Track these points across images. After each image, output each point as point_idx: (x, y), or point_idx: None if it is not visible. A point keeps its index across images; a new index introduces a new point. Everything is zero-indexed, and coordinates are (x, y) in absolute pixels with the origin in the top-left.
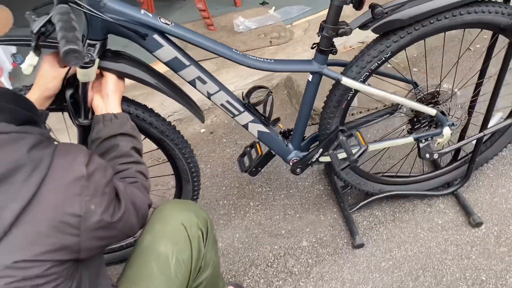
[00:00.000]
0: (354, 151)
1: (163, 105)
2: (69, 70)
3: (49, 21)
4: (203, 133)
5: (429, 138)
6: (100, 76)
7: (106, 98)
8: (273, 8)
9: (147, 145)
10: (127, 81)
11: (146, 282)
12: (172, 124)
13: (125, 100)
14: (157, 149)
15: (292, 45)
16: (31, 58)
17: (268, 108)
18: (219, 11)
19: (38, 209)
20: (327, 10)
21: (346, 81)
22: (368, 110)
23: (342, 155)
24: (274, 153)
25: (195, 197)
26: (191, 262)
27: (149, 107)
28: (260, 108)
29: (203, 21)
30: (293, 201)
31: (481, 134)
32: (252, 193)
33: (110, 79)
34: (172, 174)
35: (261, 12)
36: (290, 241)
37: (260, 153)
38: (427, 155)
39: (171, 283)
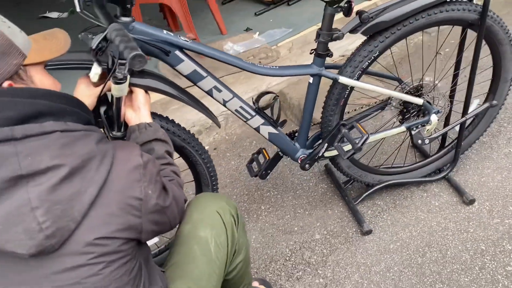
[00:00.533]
0: (357, 140)
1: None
2: (102, 88)
3: (104, 38)
4: (207, 150)
5: (419, 126)
6: (129, 92)
7: (138, 111)
8: (257, 33)
9: None
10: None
11: (190, 264)
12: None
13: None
14: (178, 157)
15: (279, 63)
16: (96, 68)
17: (276, 111)
18: (208, 39)
19: (109, 193)
20: (307, 30)
21: (343, 79)
22: (362, 107)
23: (346, 147)
24: (281, 154)
25: None
26: (227, 245)
27: (170, 118)
28: (268, 112)
29: None
30: (301, 201)
31: (464, 118)
32: (262, 198)
33: (139, 93)
34: (192, 181)
35: (246, 37)
36: (304, 236)
37: (268, 157)
38: (419, 141)
39: (213, 264)
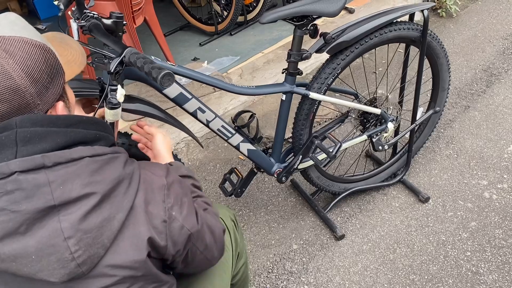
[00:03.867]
0: (330, 149)
1: None
2: (94, 114)
3: (121, 62)
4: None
5: (378, 133)
6: (150, 137)
7: (159, 155)
8: (206, 61)
9: None
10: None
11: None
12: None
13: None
14: None
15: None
16: (120, 90)
17: (254, 129)
18: None
19: (135, 216)
20: (254, 57)
21: (313, 95)
22: (325, 121)
23: (319, 157)
24: (256, 170)
25: None
26: (232, 247)
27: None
28: (245, 130)
29: None
30: (273, 216)
31: (413, 125)
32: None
33: (158, 138)
34: None
35: (196, 66)
36: (282, 247)
37: (241, 176)
38: (380, 147)
39: (223, 265)
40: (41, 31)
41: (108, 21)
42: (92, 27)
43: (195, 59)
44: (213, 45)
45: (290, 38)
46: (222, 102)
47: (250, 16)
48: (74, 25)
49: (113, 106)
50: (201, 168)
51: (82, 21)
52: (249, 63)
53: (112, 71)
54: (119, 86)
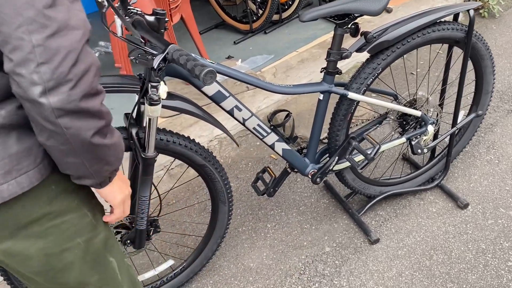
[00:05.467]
0: (368, 151)
1: None
2: (133, 110)
3: (164, 58)
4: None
5: (418, 136)
6: None
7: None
8: (240, 60)
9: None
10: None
11: None
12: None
13: (174, 134)
14: (197, 176)
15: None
16: (163, 86)
17: (289, 128)
18: None
19: None
20: (288, 56)
21: (351, 95)
22: (362, 122)
23: (356, 159)
24: (289, 170)
25: (229, 218)
26: None
27: (191, 138)
28: (280, 129)
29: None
30: (305, 217)
31: (454, 128)
32: (266, 216)
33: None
34: (208, 199)
35: (230, 64)
36: (314, 249)
37: (273, 175)
38: (419, 150)
39: None
40: None
41: (150, 18)
42: (136, 23)
43: (229, 57)
44: (247, 44)
45: (326, 37)
46: (255, 100)
47: (285, 15)
48: (118, 21)
49: (154, 102)
50: (233, 166)
51: (126, 17)
52: (283, 62)
53: (155, 67)
54: (162, 83)
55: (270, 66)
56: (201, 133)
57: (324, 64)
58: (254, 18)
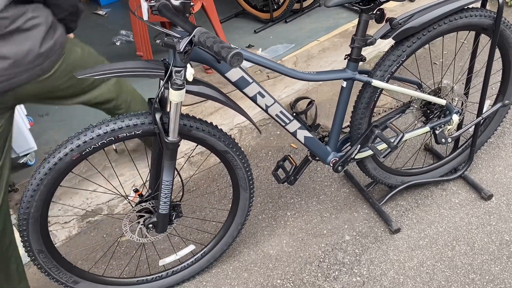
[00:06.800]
0: (392, 140)
1: None
2: (158, 94)
3: (190, 41)
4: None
5: (442, 125)
6: None
7: None
8: (260, 49)
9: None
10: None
11: None
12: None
13: (197, 120)
14: (220, 162)
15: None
16: (189, 69)
17: (312, 116)
18: None
19: None
20: (309, 45)
21: (375, 82)
22: (386, 111)
23: (379, 147)
24: (311, 159)
25: (250, 205)
26: None
27: (214, 125)
28: (302, 117)
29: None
30: (325, 206)
31: (479, 118)
32: (286, 204)
33: None
34: (228, 187)
35: None
36: (334, 238)
37: (294, 163)
38: (443, 140)
39: None
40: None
41: (176, 2)
42: (162, 7)
43: (249, 46)
44: (267, 33)
45: (347, 26)
46: (275, 89)
47: (306, 4)
48: (144, 5)
49: (178, 87)
50: (253, 155)
51: (152, 1)
52: (304, 51)
53: (181, 50)
54: (188, 65)
55: (291, 55)
56: (222, 121)
57: (345, 53)
58: (275, 7)
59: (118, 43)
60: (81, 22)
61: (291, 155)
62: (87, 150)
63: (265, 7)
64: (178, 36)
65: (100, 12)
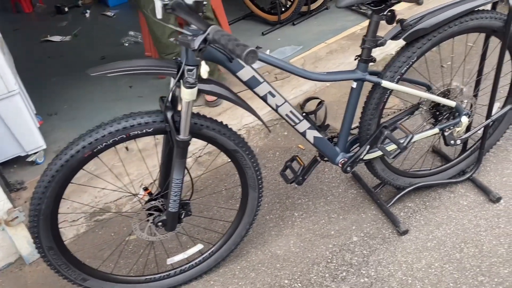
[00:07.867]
0: (401, 140)
1: None
2: (170, 93)
3: (204, 39)
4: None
5: (451, 127)
6: None
7: None
8: (268, 50)
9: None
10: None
11: None
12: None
13: (208, 119)
14: (229, 161)
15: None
16: (204, 66)
17: (321, 116)
18: None
19: None
20: (316, 47)
21: (385, 83)
22: (394, 112)
23: (388, 148)
24: (319, 159)
25: (259, 204)
26: None
27: (224, 124)
28: (312, 117)
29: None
30: (333, 206)
31: (489, 120)
32: (294, 205)
33: None
34: (235, 186)
35: None
36: (341, 238)
37: (302, 164)
38: (452, 142)
39: None
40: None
41: (189, 1)
42: (175, 6)
43: (257, 47)
44: (275, 35)
45: (355, 28)
46: (283, 91)
47: (313, 6)
48: (158, 3)
49: (190, 85)
50: (261, 155)
51: (166, 0)
52: (311, 53)
53: (196, 48)
54: (203, 62)
55: (298, 57)
56: (230, 122)
57: (353, 56)
58: (283, 9)
59: (126, 44)
60: (89, 23)
61: (299, 156)
62: (99, 147)
63: (273, 10)
64: (190, 34)
65: (109, 13)
